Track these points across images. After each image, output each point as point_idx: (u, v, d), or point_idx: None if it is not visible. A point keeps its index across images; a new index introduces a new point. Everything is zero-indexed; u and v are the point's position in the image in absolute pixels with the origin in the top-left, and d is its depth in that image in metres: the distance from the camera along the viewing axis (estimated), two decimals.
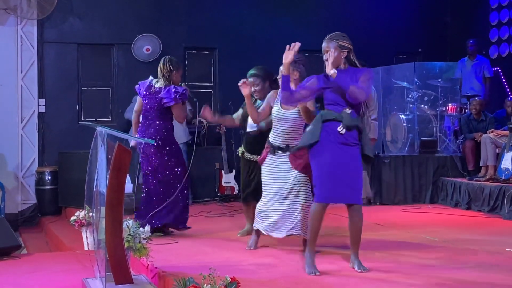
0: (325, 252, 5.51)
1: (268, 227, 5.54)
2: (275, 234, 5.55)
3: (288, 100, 4.94)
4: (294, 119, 5.42)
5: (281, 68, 4.99)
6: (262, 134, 5.92)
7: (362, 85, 4.68)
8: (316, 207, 4.76)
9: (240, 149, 6.40)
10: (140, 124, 6.61)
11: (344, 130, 4.68)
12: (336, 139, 4.70)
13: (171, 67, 6.45)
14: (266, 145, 5.63)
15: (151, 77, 6.62)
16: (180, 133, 8.48)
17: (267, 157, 5.56)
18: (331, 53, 4.72)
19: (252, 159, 6.12)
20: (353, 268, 4.82)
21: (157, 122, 6.43)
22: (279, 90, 5.47)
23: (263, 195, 5.59)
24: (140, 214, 6.35)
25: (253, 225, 5.73)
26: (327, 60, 4.76)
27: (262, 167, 5.62)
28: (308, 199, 5.31)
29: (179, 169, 6.48)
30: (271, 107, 5.56)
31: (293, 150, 5.26)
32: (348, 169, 4.69)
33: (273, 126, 5.58)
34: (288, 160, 5.43)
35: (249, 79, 6.17)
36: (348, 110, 4.71)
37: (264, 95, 5.87)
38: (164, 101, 6.38)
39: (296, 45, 4.85)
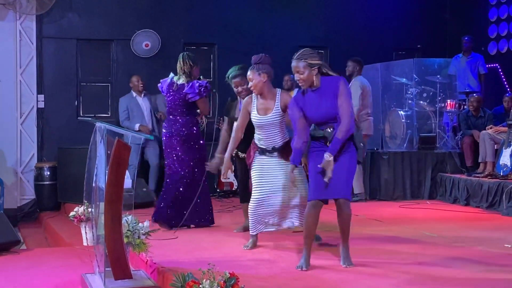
0: (324, 247, 5.52)
1: (268, 224, 5.53)
2: (276, 228, 5.57)
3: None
4: (273, 122, 5.38)
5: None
6: (247, 133, 5.90)
7: (342, 108, 4.65)
8: (308, 205, 4.83)
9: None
10: (165, 120, 6.79)
11: None
12: (324, 149, 4.74)
13: (191, 63, 6.61)
14: (252, 146, 5.61)
15: (172, 74, 6.71)
16: None
17: (256, 156, 5.53)
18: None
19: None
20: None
21: (183, 117, 6.61)
22: (253, 94, 5.45)
23: (253, 195, 5.50)
24: (158, 211, 6.49)
25: (250, 233, 5.61)
26: (298, 80, 4.75)
27: (252, 167, 5.57)
28: (305, 191, 5.31)
29: (200, 164, 6.58)
30: (249, 113, 5.51)
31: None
32: (335, 167, 4.69)
33: (255, 130, 5.54)
34: (277, 159, 5.41)
35: (234, 80, 6.11)
36: (329, 129, 4.75)
37: (248, 93, 5.78)
38: (189, 96, 6.54)
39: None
